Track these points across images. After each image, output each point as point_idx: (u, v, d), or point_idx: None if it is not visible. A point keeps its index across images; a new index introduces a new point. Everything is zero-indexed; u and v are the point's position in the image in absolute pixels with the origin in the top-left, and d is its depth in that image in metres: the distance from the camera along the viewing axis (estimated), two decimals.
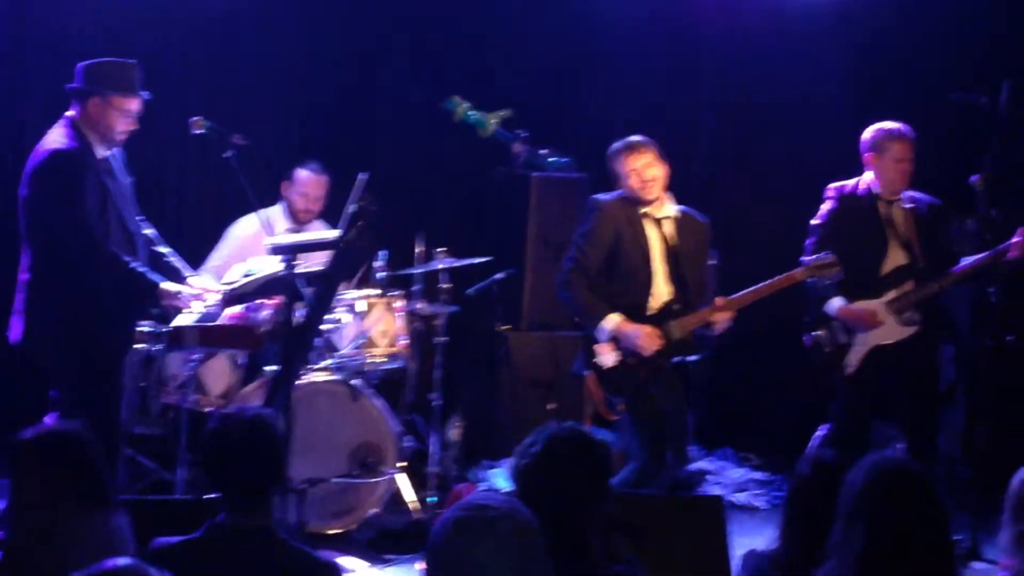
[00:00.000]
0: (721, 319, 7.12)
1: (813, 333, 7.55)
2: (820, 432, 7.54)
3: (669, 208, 7.26)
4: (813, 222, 7.62)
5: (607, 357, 7.19)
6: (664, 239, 7.22)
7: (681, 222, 7.27)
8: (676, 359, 7.20)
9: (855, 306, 7.42)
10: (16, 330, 6.74)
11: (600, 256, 7.21)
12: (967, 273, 7.43)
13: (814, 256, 7.27)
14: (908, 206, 7.54)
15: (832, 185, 7.60)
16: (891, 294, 7.44)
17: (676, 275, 7.21)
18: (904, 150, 7.47)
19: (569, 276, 7.23)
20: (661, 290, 7.22)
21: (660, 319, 7.16)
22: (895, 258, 7.47)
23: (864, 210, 7.49)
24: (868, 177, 7.53)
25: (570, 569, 3.77)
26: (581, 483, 3.83)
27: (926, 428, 7.41)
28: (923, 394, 7.50)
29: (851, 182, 7.57)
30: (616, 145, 7.29)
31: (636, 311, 7.16)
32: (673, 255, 7.21)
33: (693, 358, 7.29)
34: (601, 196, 7.34)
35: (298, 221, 8.63)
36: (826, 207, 7.60)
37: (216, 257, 8.45)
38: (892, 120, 7.56)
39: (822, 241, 7.48)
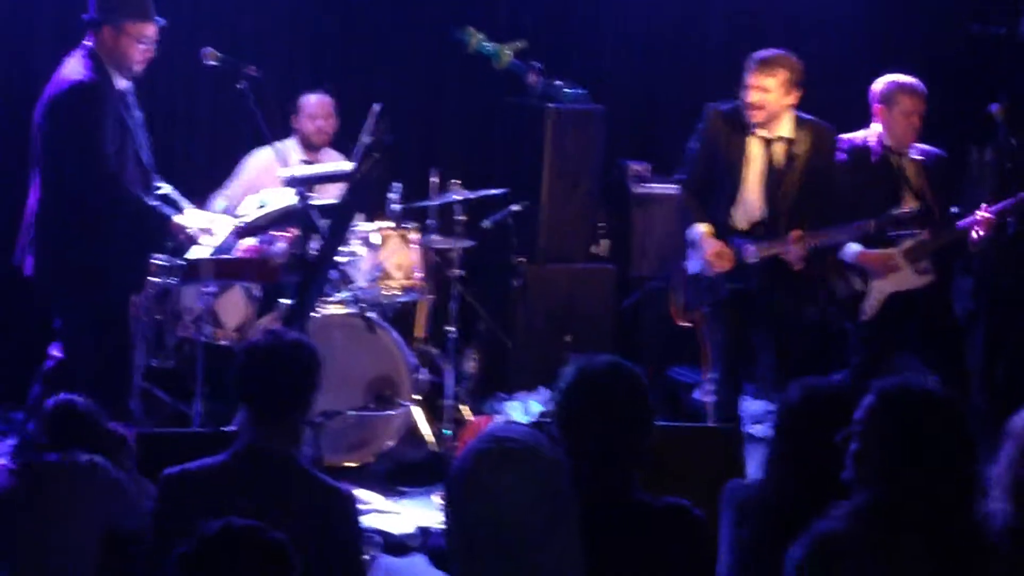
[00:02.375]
0: (794, 254, 7.01)
1: (828, 281, 7.51)
2: (835, 379, 7.46)
3: (784, 129, 7.13)
4: None
5: (691, 263, 7.25)
6: (768, 159, 7.12)
7: (799, 140, 7.13)
8: (742, 283, 7.12)
9: (873, 251, 7.38)
10: (27, 264, 6.70)
11: (699, 163, 7.25)
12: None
13: (899, 209, 7.14)
14: (917, 158, 7.48)
15: (841, 137, 7.49)
16: (907, 243, 7.39)
17: (771, 197, 7.12)
18: (914, 104, 7.38)
19: (679, 187, 7.39)
20: (752, 210, 7.16)
21: (744, 239, 7.12)
22: (908, 201, 7.43)
23: (875, 162, 7.42)
24: (876, 129, 7.45)
25: (615, 504, 3.77)
26: (621, 415, 3.79)
27: (948, 366, 7.38)
28: (941, 337, 7.48)
29: (860, 135, 7.47)
30: (754, 54, 7.15)
31: (725, 227, 7.14)
32: (773, 177, 7.12)
33: (760, 284, 7.12)
34: (712, 104, 7.28)
35: (313, 147, 8.59)
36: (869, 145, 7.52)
37: (230, 188, 8.42)
38: (911, 62, 7.49)
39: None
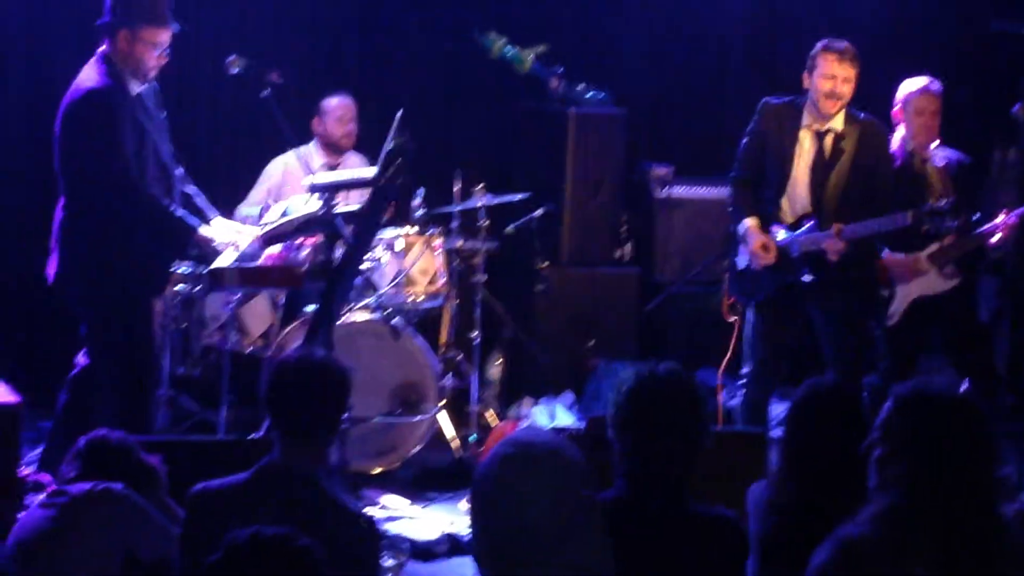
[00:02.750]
0: (832, 247, 6.96)
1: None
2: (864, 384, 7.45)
3: (837, 121, 7.12)
4: None
5: (740, 258, 7.24)
6: (819, 152, 7.09)
7: (848, 134, 7.10)
8: (788, 277, 7.09)
9: (898, 256, 7.37)
10: (50, 269, 6.74)
11: (750, 157, 7.25)
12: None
13: (935, 202, 7.09)
14: (941, 164, 7.47)
15: None
16: (932, 247, 7.38)
17: (819, 190, 7.09)
18: (927, 102, 7.38)
19: (730, 180, 7.36)
20: (800, 204, 7.13)
21: (791, 232, 7.10)
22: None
23: (900, 167, 7.41)
24: (900, 132, 7.46)
25: (666, 510, 3.80)
26: (679, 422, 3.84)
27: (978, 367, 7.36)
28: (968, 338, 7.46)
29: None
30: (823, 41, 7.10)
31: (771, 219, 7.13)
32: (822, 169, 7.09)
33: (808, 279, 7.06)
34: (769, 99, 7.27)
35: (338, 150, 8.60)
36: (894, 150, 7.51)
37: (255, 194, 8.44)
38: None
39: None
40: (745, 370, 7.33)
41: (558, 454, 2.78)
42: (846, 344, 7.12)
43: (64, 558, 4.42)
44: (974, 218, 7.37)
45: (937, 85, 7.40)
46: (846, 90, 7.01)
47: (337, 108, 8.64)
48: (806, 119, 7.10)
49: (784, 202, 7.14)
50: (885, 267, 7.41)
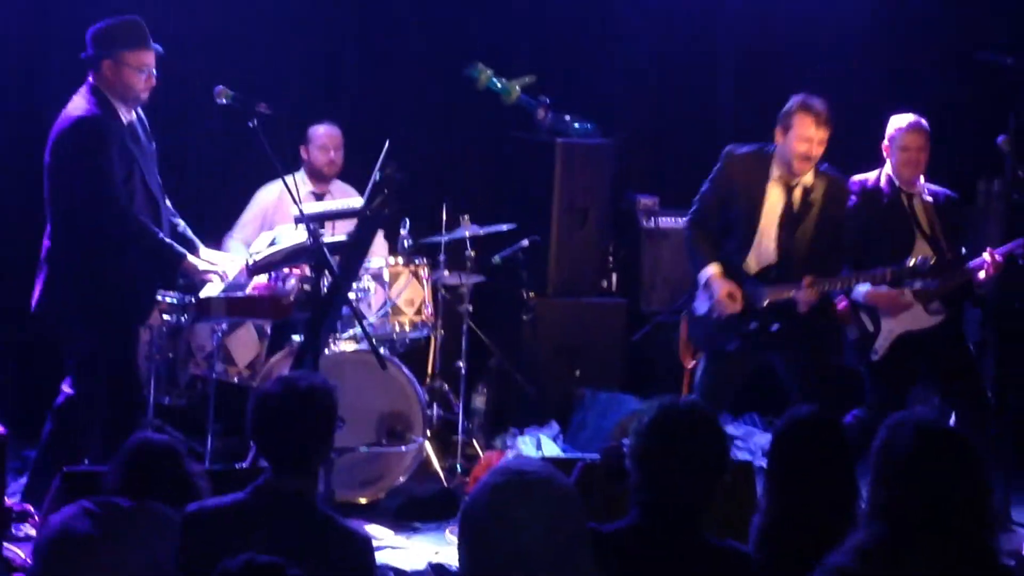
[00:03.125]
0: (804, 298, 6.95)
1: (903, 284, 7.44)
2: (850, 416, 7.44)
3: (806, 176, 7.09)
4: None
5: (700, 304, 7.21)
6: (788, 205, 7.09)
7: (816, 187, 7.10)
8: (754, 325, 7.08)
9: (883, 290, 7.39)
10: (34, 299, 6.74)
11: (713, 206, 7.19)
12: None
13: (917, 259, 7.07)
14: (928, 199, 7.51)
15: (854, 179, 7.51)
16: (918, 284, 7.41)
17: (787, 241, 7.09)
18: (914, 139, 7.41)
19: (688, 225, 7.30)
20: (765, 255, 7.14)
21: (755, 282, 7.10)
22: (920, 250, 7.43)
23: (888, 203, 7.44)
24: (887, 168, 7.49)
25: (681, 541, 3.81)
26: (697, 456, 3.85)
27: (968, 398, 7.38)
28: (958, 371, 7.47)
29: (871, 175, 7.50)
30: (803, 96, 7.03)
31: (736, 271, 7.12)
32: (790, 222, 7.09)
33: (775, 327, 7.06)
34: (735, 147, 7.23)
35: (324, 178, 8.60)
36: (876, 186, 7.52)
37: (242, 223, 8.45)
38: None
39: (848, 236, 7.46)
40: None
41: (550, 482, 2.78)
42: (819, 386, 7.11)
43: (95, 566, 4.40)
44: (963, 252, 7.41)
45: (924, 123, 7.44)
46: (820, 151, 7.00)
47: (322, 136, 8.64)
48: (775, 172, 7.09)
49: (751, 252, 7.16)
50: (845, 310, 7.43)
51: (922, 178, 7.49)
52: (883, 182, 7.45)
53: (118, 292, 6.66)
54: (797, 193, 7.08)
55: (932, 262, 6.94)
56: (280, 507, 4.15)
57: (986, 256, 7.31)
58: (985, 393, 7.49)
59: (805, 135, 6.93)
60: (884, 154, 7.48)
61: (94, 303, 6.63)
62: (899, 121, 7.46)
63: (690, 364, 7.42)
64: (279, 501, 4.16)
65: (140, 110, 6.88)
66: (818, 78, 9.83)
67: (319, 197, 8.46)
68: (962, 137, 8.97)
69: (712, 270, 7.09)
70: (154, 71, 6.75)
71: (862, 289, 7.37)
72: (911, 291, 7.39)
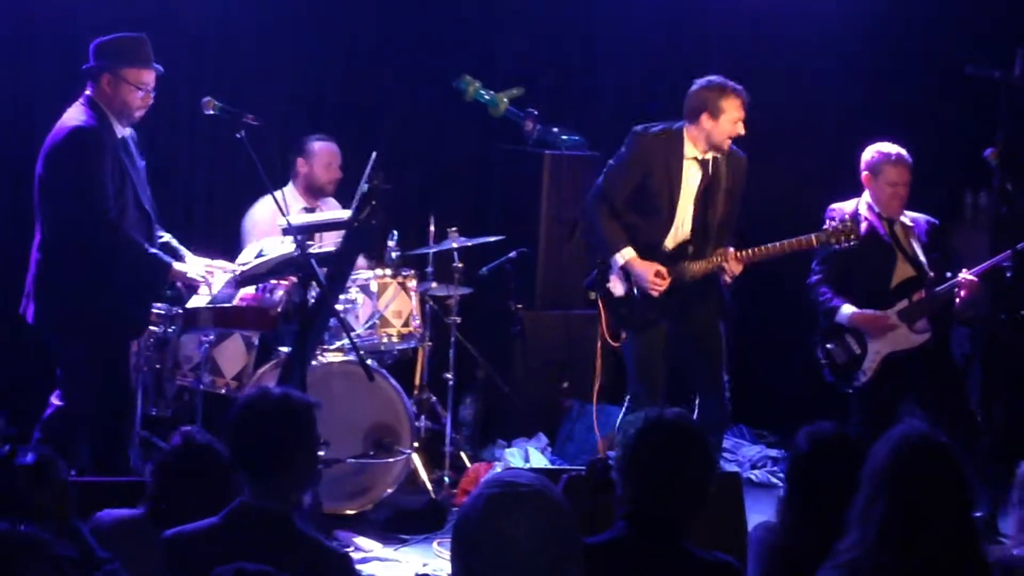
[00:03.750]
0: (731, 270, 7.16)
1: (826, 346, 7.53)
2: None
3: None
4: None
5: (617, 287, 7.33)
6: (703, 179, 7.25)
7: (722, 163, 7.29)
8: (676, 299, 7.26)
9: (868, 312, 7.41)
10: (29, 311, 6.73)
11: (626, 188, 7.29)
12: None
13: (834, 222, 7.24)
14: (908, 224, 7.56)
15: (833, 207, 7.56)
16: (902, 304, 7.45)
17: (701, 216, 7.26)
18: (899, 174, 7.48)
19: (592, 201, 7.37)
20: (682, 230, 7.28)
21: (674, 258, 7.24)
22: (903, 271, 7.50)
23: (869, 230, 7.48)
24: (866, 198, 7.53)
25: (667, 554, 3.81)
26: (684, 468, 3.86)
27: (956, 414, 7.39)
28: (945, 388, 7.50)
29: (850, 204, 7.56)
30: (719, 79, 7.31)
31: (652, 249, 7.24)
32: (704, 195, 7.25)
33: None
34: (642, 128, 7.38)
35: (321, 194, 8.55)
36: (862, 221, 7.53)
37: (247, 249, 8.36)
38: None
39: (828, 261, 7.49)
40: (633, 391, 7.43)
41: (543, 494, 2.78)
42: (714, 346, 7.37)
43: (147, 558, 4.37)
44: (948, 275, 7.45)
45: (905, 153, 7.49)
46: (742, 130, 7.20)
47: (326, 154, 8.55)
48: (689, 150, 7.25)
49: (668, 236, 7.25)
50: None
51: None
52: (863, 210, 7.49)
53: (111, 306, 6.65)
54: (710, 168, 7.25)
55: (850, 239, 7.15)
56: (255, 528, 4.11)
57: (961, 277, 7.35)
58: (971, 410, 7.51)
59: (736, 116, 7.18)
60: (863, 183, 7.51)
61: (88, 317, 6.62)
62: (881, 152, 7.48)
63: (616, 344, 7.48)
64: (256, 521, 4.12)
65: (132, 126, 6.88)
66: (807, 92, 9.91)
67: (310, 211, 8.43)
68: (950, 150, 8.98)
69: (629, 254, 7.24)
70: (152, 90, 6.76)
71: (846, 312, 7.41)
72: (895, 312, 7.43)
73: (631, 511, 3.87)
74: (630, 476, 3.88)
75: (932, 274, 7.47)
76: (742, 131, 7.19)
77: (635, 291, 7.27)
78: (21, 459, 4.13)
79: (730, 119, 7.16)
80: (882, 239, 7.50)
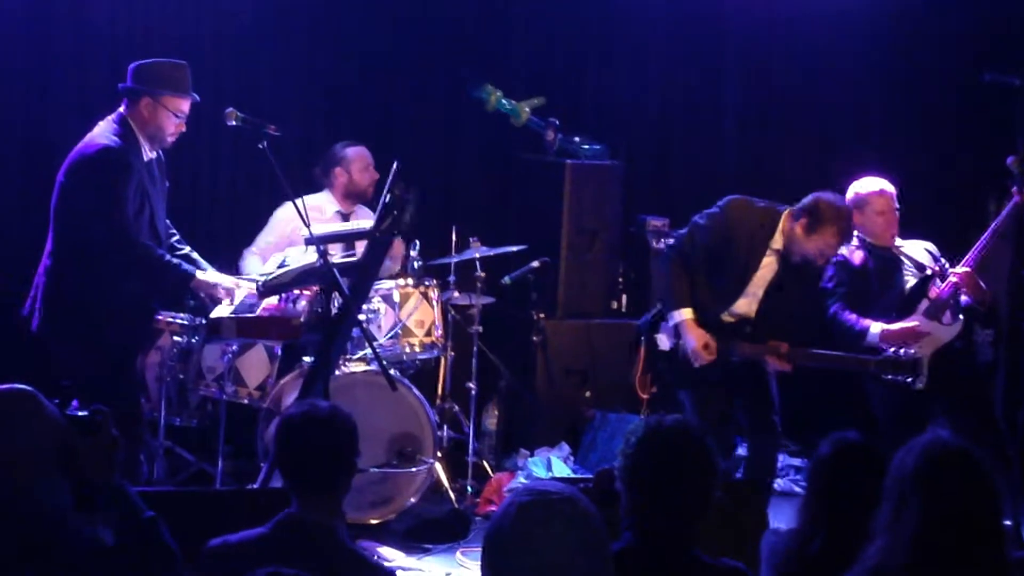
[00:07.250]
0: (777, 364, 7.07)
1: (884, 377, 7.34)
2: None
3: None
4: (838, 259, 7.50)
5: (663, 341, 7.27)
6: (779, 274, 7.16)
7: (807, 265, 7.19)
8: (719, 374, 7.18)
9: (895, 327, 7.38)
10: (34, 319, 6.75)
11: (705, 249, 7.17)
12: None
13: (891, 350, 7.11)
14: (908, 250, 7.61)
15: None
16: (922, 304, 7.43)
17: (767, 306, 7.18)
18: (885, 202, 7.50)
19: (671, 253, 7.31)
20: (745, 309, 7.20)
21: (729, 334, 7.16)
22: (911, 275, 7.49)
23: (860, 264, 7.52)
24: (857, 235, 7.51)
25: (675, 562, 3.80)
26: (687, 475, 3.85)
27: (984, 425, 7.37)
28: (968, 391, 7.50)
29: (843, 252, 7.47)
30: (833, 209, 7.03)
31: (710, 317, 7.16)
32: (776, 289, 7.17)
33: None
34: (743, 198, 7.24)
35: (362, 198, 8.56)
36: (854, 253, 7.55)
37: (263, 241, 8.40)
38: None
39: (839, 288, 7.49)
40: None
41: (574, 502, 2.79)
42: (762, 389, 7.29)
43: None
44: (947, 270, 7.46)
45: (886, 183, 7.52)
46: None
47: (360, 158, 8.56)
48: (778, 242, 7.13)
49: (728, 311, 7.20)
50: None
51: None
52: (861, 250, 7.50)
53: (118, 316, 6.67)
54: (788, 264, 7.15)
55: (912, 359, 7.00)
56: (304, 540, 4.14)
57: (952, 272, 7.36)
58: (996, 416, 7.49)
59: (829, 244, 7.03)
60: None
61: (96, 326, 6.63)
62: (866, 188, 7.52)
63: (644, 395, 7.42)
64: (303, 534, 4.15)
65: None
66: (822, 102, 9.91)
67: (345, 217, 8.46)
68: (971, 158, 8.97)
69: (687, 315, 7.14)
70: (186, 118, 6.80)
71: (876, 331, 7.35)
72: (919, 316, 7.41)
73: (636, 520, 3.86)
74: (632, 485, 3.87)
75: (935, 267, 7.48)
76: (829, 257, 7.16)
77: (679, 351, 7.20)
78: (72, 411, 4.14)
79: (824, 243, 7.03)
80: (883, 265, 7.51)
